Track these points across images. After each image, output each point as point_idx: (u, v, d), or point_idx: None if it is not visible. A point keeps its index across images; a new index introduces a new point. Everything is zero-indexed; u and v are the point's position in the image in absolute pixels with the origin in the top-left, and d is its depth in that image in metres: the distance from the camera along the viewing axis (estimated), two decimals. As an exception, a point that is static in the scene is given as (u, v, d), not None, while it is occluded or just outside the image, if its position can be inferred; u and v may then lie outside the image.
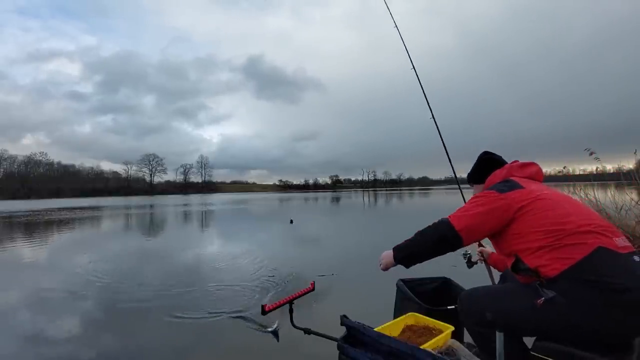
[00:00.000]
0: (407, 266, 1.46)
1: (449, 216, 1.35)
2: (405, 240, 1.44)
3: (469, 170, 1.70)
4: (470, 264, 2.03)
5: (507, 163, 1.57)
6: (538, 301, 1.14)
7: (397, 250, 1.46)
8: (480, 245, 2.00)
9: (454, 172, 2.50)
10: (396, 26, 2.96)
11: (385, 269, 1.50)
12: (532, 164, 1.52)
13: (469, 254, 2.00)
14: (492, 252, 1.92)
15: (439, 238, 1.34)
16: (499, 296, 1.33)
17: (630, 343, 1.10)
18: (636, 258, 1.14)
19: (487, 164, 1.60)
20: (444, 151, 2.50)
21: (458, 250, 1.39)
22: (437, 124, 2.57)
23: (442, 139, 2.52)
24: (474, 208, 1.34)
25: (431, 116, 2.61)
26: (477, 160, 1.67)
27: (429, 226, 1.39)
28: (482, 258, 2.00)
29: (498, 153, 1.67)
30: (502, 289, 1.45)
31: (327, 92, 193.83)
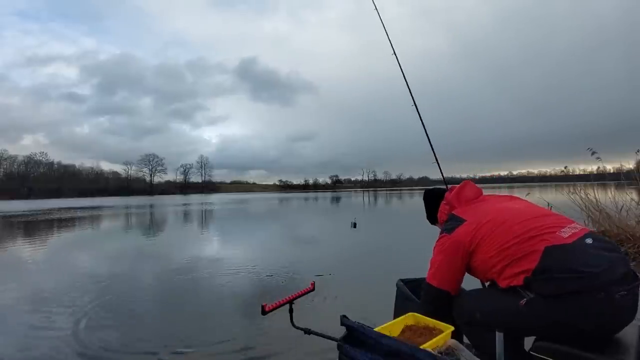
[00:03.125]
0: None
1: (427, 278, 1.45)
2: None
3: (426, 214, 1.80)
4: None
5: (442, 193, 1.65)
6: (521, 302, 1.18)
7: None
8: None
9: (437, 159, 2.48)
10: (376, 8, 2.85)
11: None
12: (465, 184, 1.58)
13: None
14: None
15: (432, 301, 1.45)
16: (487, 298, 1.38)
17: (615, 333, 1.12)
18: (588, 240, 1.16)
19: (432, 202, 1.69)
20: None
21: None
22: (419, 111, 2.51)
23: (423, 125, 2.47)
24: (437, 259, 1.43)
25: (413, 103, 2.56)
26: (423, 202, 1.77)
27: (422, 293, 1.49)
28: None
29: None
30: (490, 291, 1.48)
31: (324, 94, 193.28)
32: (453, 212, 1.51)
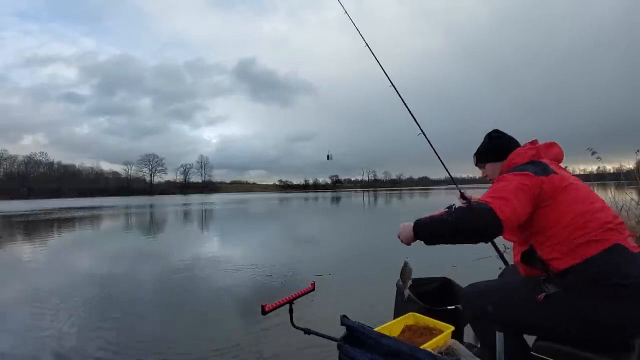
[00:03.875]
0: (428, 244, 1.23)
1: (490, 203, 1.10)
2: (431, 216, 1.21)
3: (479, 148, 1.54)
4: None
5: (517, 142, 1.46)
6: (539, 296, 1.14)
7: (419, 226, 1.22)
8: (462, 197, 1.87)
9: (442, 162, 2.45)
10: (367, 45, 2.72)
11: (407, 243, 1.29)
12: (554, 144, 1.41)
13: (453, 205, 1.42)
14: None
15: (476, 227, 1.10)
16: (501, 290, 1.32)
17: (631, 341, 1.10)
18: None
19: (505, 141, 1.47)
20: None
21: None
22: (397, 90, 2.47)
23: (423, 132, 2.46)
24: (513, 192, 1.13)
25: (390, 84, 2.49)
26: (489, 139, 1.52)
27: (465, 210, 1.12)
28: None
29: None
30: (504, 283, 1.42)
31: (323, 95, 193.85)
32: (542, 160, 1.32)
